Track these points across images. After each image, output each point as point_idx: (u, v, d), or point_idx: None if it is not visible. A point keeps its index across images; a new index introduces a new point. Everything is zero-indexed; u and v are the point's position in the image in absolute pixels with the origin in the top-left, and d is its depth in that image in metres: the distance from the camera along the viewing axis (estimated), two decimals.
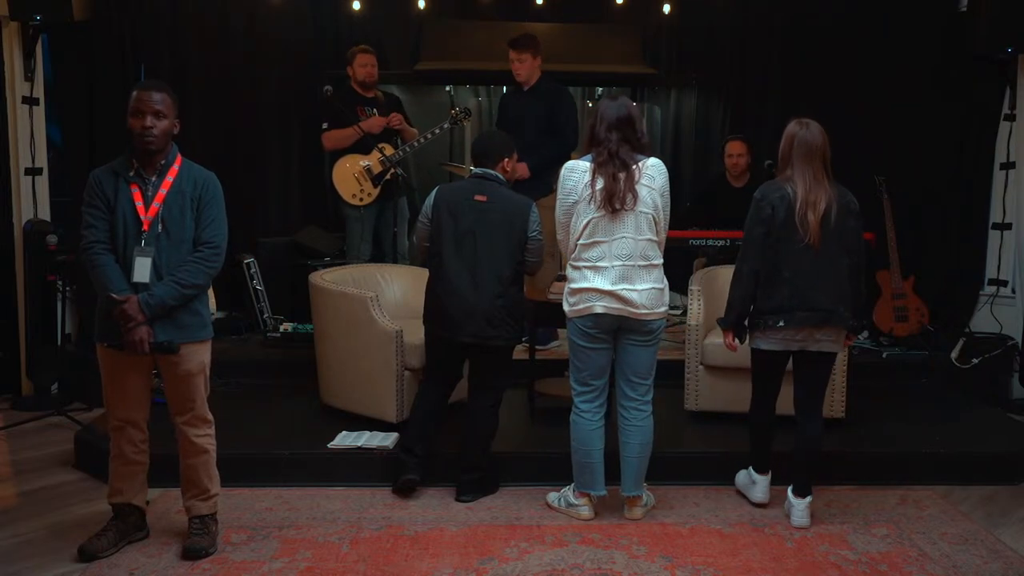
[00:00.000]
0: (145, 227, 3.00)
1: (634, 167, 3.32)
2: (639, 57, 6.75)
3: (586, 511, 3.53)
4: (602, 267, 3.33)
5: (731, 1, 6.62)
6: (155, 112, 3.00)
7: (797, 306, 3.37)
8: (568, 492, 3.60)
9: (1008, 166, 5.67)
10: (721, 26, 6.73)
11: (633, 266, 3.33)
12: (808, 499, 3.52)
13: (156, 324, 2.99)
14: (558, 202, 3.45)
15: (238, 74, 6.28)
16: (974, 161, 5.87)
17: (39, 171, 5.29)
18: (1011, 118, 5.62)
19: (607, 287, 3.31)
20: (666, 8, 6.56)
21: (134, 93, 3.02)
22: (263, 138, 6.40)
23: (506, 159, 3.80)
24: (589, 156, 3.38)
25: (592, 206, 3.32)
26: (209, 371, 3.20)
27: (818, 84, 6.32)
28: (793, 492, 3.54)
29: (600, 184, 3.30)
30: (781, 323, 3.39)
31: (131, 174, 3.03)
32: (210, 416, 3.22)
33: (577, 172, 3.38)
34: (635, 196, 3.31)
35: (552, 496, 3.67)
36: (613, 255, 3.32)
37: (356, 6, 6.28)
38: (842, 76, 6.26)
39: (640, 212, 3.33)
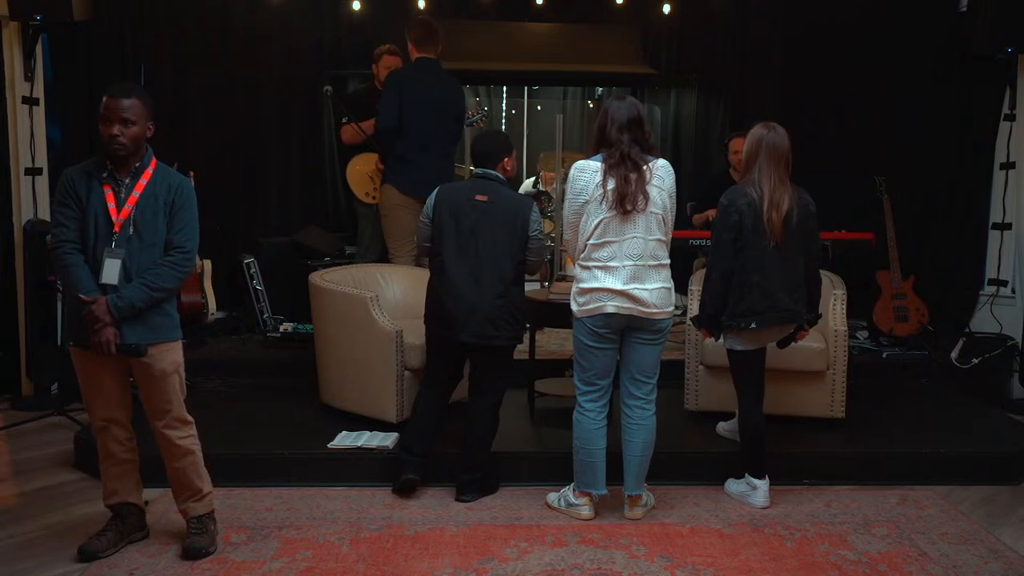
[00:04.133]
0: (116, 228, 2.97)
1: (645, 168, 3.34)
2: (639, 57, 6.76)
3: (586, 511, 3.53)
4: (613, 267, 3.34)
5: (731, 1, 6.62)
6: (123, 120, 2.96)
7: (767, 308, 3.54)
8: (568, 492, 3.60)
9: (1008, 166, 5.67)
10: (721, 26, 6.74)
11: (644, 266, 3.34)
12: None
13: (125, 325, 2.96)
14: (567, 201, 3.46)
15: (238, 74, 6.29)
16: (974, 161, 5.88)
17: (39, 171, 5.28)
18: (1011, 118, 5.63)
19: (619, 287, 3.32)
20: (666, 8, 6.58)
21: (104, 99, 2.98)
22: (263, 138, 6.41)
23: (506, 159, 3.81)
24: (599, 156, 3.39)
25: (604, 206, 3.32)
26: (183, 372, 3.17)
27: (818, 84, 6.34)
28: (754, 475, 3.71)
29: (611, 185, 3.31)
30: (753, 325, 3.54)
31: (104, 175, 3.01)
32: (189, 417, 3.18)
33: (588, 172, 3.38)
34: (646, 198, 3.32)
35: (552, 496, 3.67)
36: (624, 255, 3.33)
37: (356, 6, 6.29)
38: (842, 76, 6.27)
39: (651, 213, 3.34)
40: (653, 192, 3.34)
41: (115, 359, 3.02)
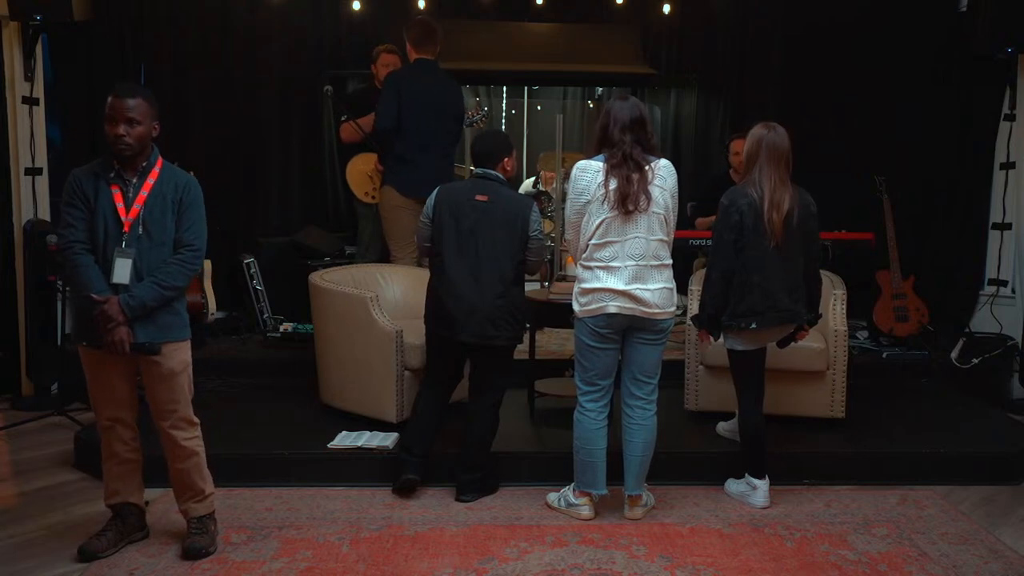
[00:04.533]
0: (126, 228, 2.99)
1: (647, 168, 3.34)
2: (639, 57, 6.76)
3: (586, 511, 3.53)
4: (615, 267, 3.33)
5: (731, 1, 6.62)
6: (128, 120, 2.97)
7: (768, 308, 3.54)
8: (568, 492, 3.60)
9: (1008, 166, 5.67)
10: (721, 26, 6.74)
11: (646, 266, 3.34)
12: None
13: (136, 325, 2.98)
14: (569, 201, 3.45)
15: (238, 74, 6.29)
16: (974, 161, 5.88)
17: (39, 171, 5.28)
18: (1011, 118, 5.63)
19: (621, 287, 3.32)
20: (666, 8, 6.57)
21: (109, 99, 2.99)
22: (263, 138, 6.41)
23: (506, 159, 3.80)
24: (601, 156, 3.38)
25: (605, 206, 3.32)
26: (191, 371, 3.17)
27: (818, 84, 6.34)
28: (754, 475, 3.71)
29: (613, 185, 3.31)
30: (754, 325, 3.55)
31: (112, 175, 3.02)
32: (196, 418, 3.19)
33: (590, 172, 3.37)
34: (648, 198, 3.32)
35: (552, 496, 3.67)
36: (626, 255, 3.33)
37: (356, 6, 6.29)
38: (842, 76, 6.27)
39: (652, 213, 3.34)
40: (655, 192, 3.34)
41: (125, 359, 3.04)
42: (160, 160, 3.11)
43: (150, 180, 3.05)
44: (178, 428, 3.13)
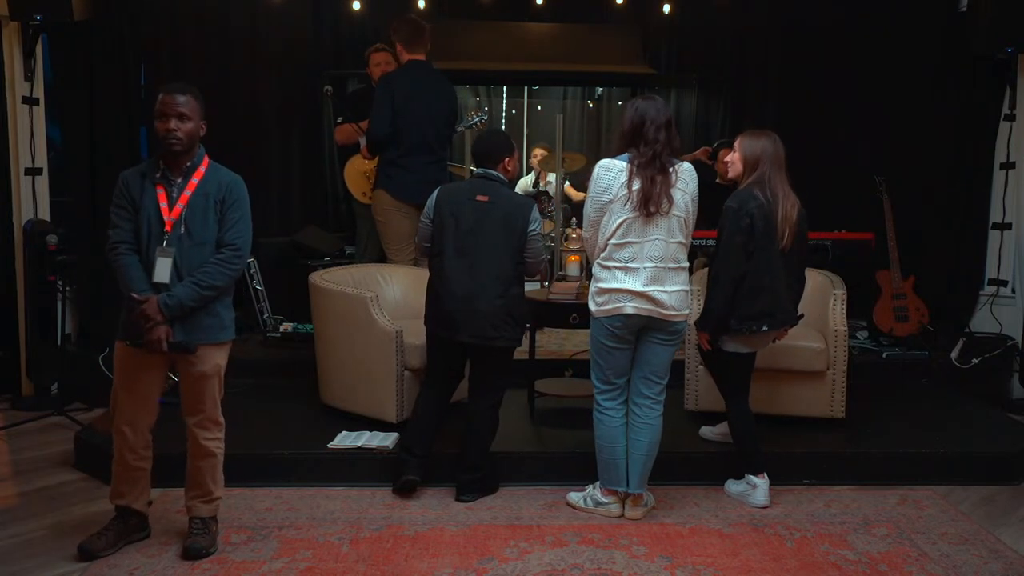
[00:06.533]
0: (168, 228, 3.03)
1: (671, 171, 3.34)
2: (639, 57, 6.76)
3: (616, 508, 3.54)
4: (633, 268, 3.34)
5: (731, 1, 6.62)
6: (179, 115, 3.02)
7: (776, 310, 3.56)
8: (595, 491, 3.60)
9: (1008, 166, 5.67)
10: (721, 26, 6.74)
11: (664, 268, 3.35)
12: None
13: (175, 324, 3.02)
14: (589, 199, 3.44)
15: (238, 74, 6.28)
16: (974, 161, 5.88)
17: (39, 171, 5.28)
18: (1011, 118, 5.63)
19: (639, 288, 3.32)
20: (666, 8, 6.57)
21: (159, 96, 3.04)
22: (263, 138, 6.40)
23: (507, 159, 3.80)
24: (625, 155, 3.37)
25: (627, 207, 3.32)
26: (224, 374, 3.20)
27: (818, 84, 6.34)
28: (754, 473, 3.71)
29: (637, 185, 3.30)
30: (765, 327, 3.55)
31: (157, 175, 3.07)
32: (222, 420, 3.24)
33: (613, 171, 3.36)
34: (670, 200, 3.32)
35: (574, 496, 3.65)
36: (645, 256, 3.33)
37: (356, 6, 6.29)
38: (842, 76, 6.27)
39: (673, 215, 3.34)
40: (677, 195, 3.35)
41: (161, 359, 3.08)
42: (206, 160, 3.15)
43: (194, 180, 3.09)
44: (202, 427, 3.18)
